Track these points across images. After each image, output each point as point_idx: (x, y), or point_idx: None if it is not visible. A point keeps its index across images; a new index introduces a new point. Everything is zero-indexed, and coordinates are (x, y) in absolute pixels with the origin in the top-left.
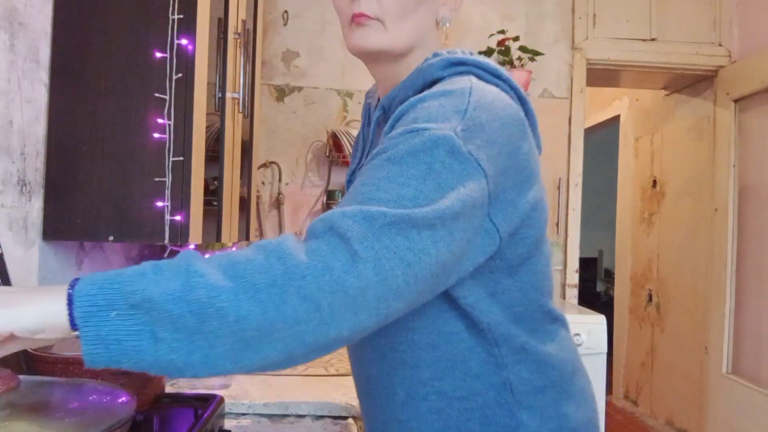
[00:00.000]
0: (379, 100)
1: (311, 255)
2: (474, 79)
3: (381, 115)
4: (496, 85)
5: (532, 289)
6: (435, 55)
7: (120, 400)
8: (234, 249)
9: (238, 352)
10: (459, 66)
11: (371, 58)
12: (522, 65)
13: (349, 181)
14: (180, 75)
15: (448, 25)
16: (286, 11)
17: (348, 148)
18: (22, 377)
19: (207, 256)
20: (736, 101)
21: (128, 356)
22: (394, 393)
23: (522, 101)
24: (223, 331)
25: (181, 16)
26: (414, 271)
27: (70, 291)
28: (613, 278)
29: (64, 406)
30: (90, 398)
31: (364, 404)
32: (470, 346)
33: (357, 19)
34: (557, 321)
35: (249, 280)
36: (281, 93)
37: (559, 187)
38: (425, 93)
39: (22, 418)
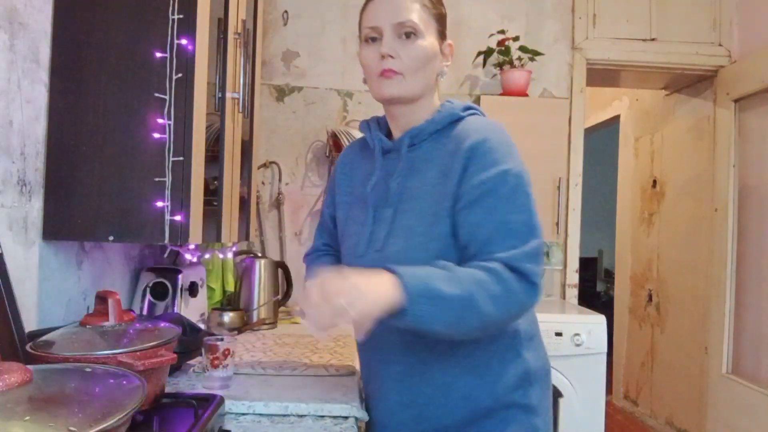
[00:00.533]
0: (382, 127)
1: (516, 287)
2: (480, 117)
3: (411, 141)
4: (483, 116)
5: None
6: (450, 101)
7: (133, 383)
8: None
9: (479, 332)
10: (470, 109)
11: (394, 102)
12: (522, 65)
13: (374, 196)
14: (180, 75)
15: (443, 78)
16: (286, 11)
17: None
18: (33, 368)
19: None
20: (736, 101)
21: (430, 325)
22: (438, 344)
23: None
24: (483, 324)
25: (181, 16)
26: (541, 279)
27: (406, 294)
28: (613, 278)
29: (81, 395)
30: (103, 384)
31: (396, 362)
32: None
33: (386, 74)
34: None
35: (502, 305)
36: (281, 93)
37: (559, 187)
38: (479, 138)
39: (41, 410)
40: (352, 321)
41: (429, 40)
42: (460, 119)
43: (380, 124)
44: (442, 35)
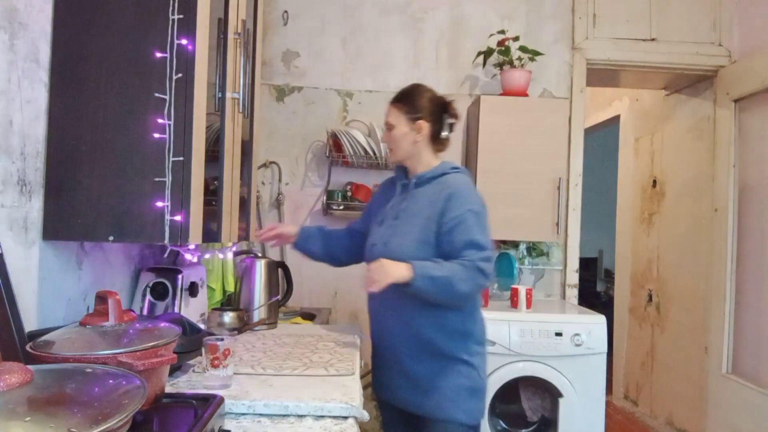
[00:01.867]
0: (407, 173)
1: (481, 277)
2: (461, 175)
3: (417, 182)
4: (464, 174)
5: None
6: (445, 162)
7: (133, 383)
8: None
9: (454, 299)
10: (456, 169)
11: (397, 163)
12: (522, 65)
13: (393, 212)
14: (180, 75)
15: (420, 141)
16: (286, 11)
17: (348, 148)
18: (33, 368)
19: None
20: (736, 101)
21: (426, 293)
22: (419, 306)
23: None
24: (460, 295)
25: (181, 16)
26: (493, 273)
27: (414, 274)
28: (613, 278)
29: (81, 395)
30: (104, 384)
31: (395, 325)
32: None
33: (389, 149)
34: None
35: (474, 286)
36: (281, 93)
37: (559, 187)
38: (454, 189)
39: (42, 411)
40: (378, 285)
41: (398, 128)
42: (447, 173)
43: (403, 170)
44: (412, 120)
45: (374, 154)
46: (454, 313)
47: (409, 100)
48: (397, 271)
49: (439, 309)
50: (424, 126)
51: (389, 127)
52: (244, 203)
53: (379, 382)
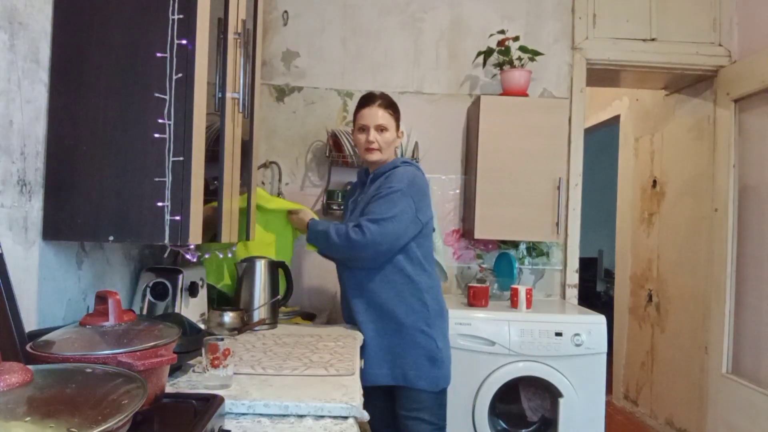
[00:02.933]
0: (368, 172)
1: (355, 234)
2: (409, 167)
3: (373, 177)
4: (414, 166)
5: (428, 246)
6: (398, 158)
7: (133, 383)
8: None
9: (341, 252)
10: (406, 162)
11: (374, 164)
12: (522, 65)
13: (352, 206)
14: (180, 75)
15: (400, 147)
16: (286, 11)
17: (348, 148)
18: (33, 368)
19: (336, 230)
20: (736, 101)
21: (319, 245)
22: (388, 286)
23: (422, 171)
24: (338, 248)
25: (181, 16)
26: (380, 238)
27: (308, 228)
28: (613, 278)
29: (81, 395)
30: (103, 384)
31: (361, 303)
32: (409, 268)
33: (370, 148)
34: (432, 264)
35: (346, 241)
36: (281, 93)
37: (559, 187)
38: (390, 173)
39: (41, 411)
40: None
41: (390, 132)
42: (397, 166)
43: (365, 170)
44: (397, 127)
45: None
46: (410, 288)
47: (395, 108)
48: (300, 223)
49: (397, 284)
50: (402, 134)
51: (382, 129)
52: None
53: None
